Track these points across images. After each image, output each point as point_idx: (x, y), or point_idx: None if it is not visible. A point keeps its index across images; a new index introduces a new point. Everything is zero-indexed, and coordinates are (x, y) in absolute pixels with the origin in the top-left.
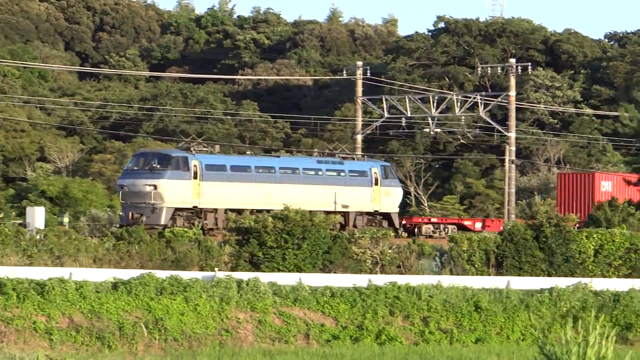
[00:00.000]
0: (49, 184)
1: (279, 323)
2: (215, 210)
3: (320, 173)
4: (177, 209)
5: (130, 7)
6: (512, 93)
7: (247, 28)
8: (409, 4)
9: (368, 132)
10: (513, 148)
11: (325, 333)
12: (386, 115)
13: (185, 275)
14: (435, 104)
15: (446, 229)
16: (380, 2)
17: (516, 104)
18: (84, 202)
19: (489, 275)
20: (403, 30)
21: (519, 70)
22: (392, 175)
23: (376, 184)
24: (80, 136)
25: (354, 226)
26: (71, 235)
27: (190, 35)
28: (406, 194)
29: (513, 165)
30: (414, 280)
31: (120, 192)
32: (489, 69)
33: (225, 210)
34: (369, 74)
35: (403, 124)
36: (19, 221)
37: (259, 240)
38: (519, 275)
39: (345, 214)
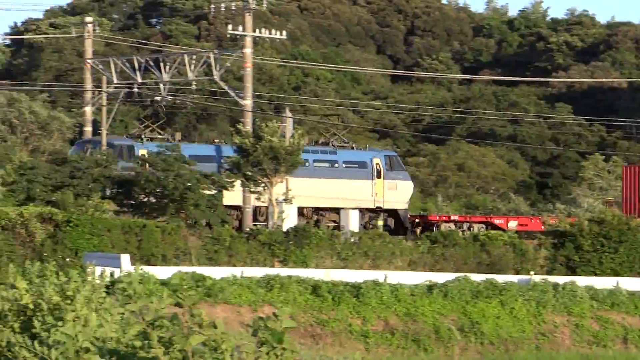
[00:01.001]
0: None
1: (596, 327)
2: None
3: (306, 164)
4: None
5: (441, 10)
6: None
7: (561, 30)
8: None
9: None
10: None
11: None
12: None
13: (500, 278)
14: None
15: (471, 228)
16: None
17: None
18: None
19: None
20: None
21: None
22: (399, 167)
23: (379, 176)
24: (393, 139)
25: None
26: (385, 238)
27: (503, 37)
28: None
29: None
30: None
31: None
32: None
33: None
34: None
35: None
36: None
37: (574, 243)
38: None
39: (339, 211)
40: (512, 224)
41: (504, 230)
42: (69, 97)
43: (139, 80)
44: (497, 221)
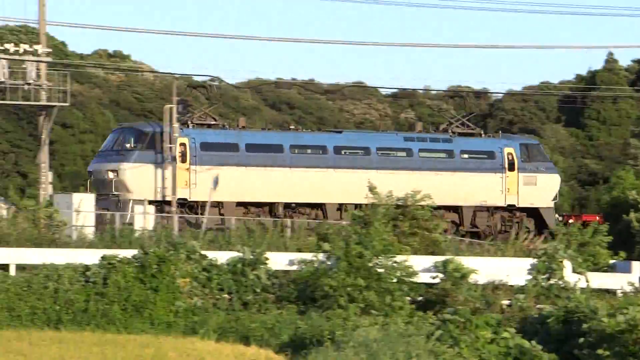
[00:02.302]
0: None
1: None
2: (219, 205)
3: (410, 155)
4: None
5: None
6: None
7: None
8: None
9: None
10: None
11: None
12: None
13: None
14: None
15: None
16: None
17: None
18: None
19: None
20: None
21: None
22: (540, 157)
23: (511, 169)
24: None
25: (473, 225)
26: None
27: None
28: None
29: None
30: None
31: (88, 182)
32: None
33: (240, 204)
34: None
35: None
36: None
37: None
38: None
39: (458, 210)
40: None
41: None
42: None
43: None
44: None
